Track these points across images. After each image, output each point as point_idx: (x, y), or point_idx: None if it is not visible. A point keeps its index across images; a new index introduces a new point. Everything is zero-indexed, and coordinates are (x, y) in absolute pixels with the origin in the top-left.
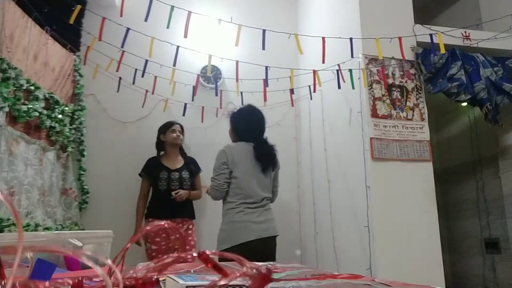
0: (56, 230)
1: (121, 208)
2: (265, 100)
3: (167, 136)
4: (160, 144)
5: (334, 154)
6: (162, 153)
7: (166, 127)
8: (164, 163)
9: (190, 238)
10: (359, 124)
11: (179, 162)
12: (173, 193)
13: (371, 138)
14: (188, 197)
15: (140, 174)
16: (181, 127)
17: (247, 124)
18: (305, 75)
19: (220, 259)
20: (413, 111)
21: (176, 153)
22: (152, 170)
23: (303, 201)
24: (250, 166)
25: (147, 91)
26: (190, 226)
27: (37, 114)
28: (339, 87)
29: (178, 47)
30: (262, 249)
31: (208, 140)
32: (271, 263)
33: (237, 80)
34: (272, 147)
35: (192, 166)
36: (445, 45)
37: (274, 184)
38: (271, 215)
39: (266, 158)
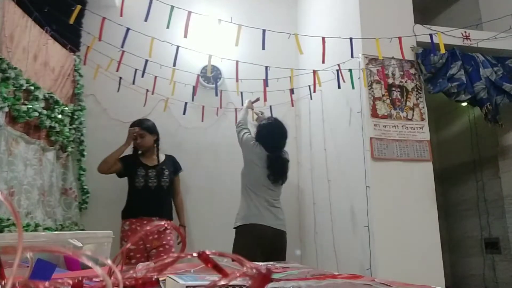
0: (56, 230)
1: (121, 208)
2: (265, 100)
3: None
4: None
5: (334, 154)
6: (139, 151)
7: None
8: (142, 160)
9: (169, 238)
10: (359, 124)
11: (156, 160)
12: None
13: (371, 138)
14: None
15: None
16: (146, 128)
17: (271, 137)
18: (305, 75)
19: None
20: (413, 111)
21: (152, 152)
22: (129, 162)
23: (303, 201)
24: (263, 172)
25: (147, 90)
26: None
27: (37, 114)
28: (339, 87)
29: (178, 47)
30: (273, 237)
31: (208, 140)
32: (275, 263)
33: (237, 80)
34: (285, 164)
35: (171, 164)
36: (445, 45)
37: None
38: (282, 215)
39: (278, 172)
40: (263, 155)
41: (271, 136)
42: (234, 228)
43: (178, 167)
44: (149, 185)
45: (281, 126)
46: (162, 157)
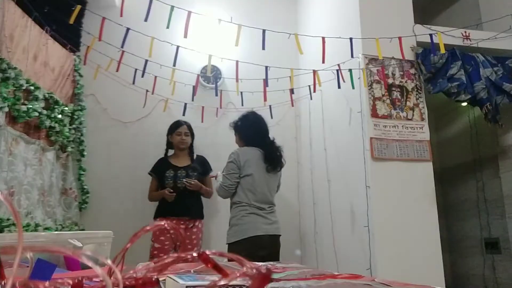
0: (56, 230)
1: (121, 208)
2: (265, 100)
3: (173, 138)
4: (169, 144)
5: (334, 154)
6: (172, 152)
7: (173, 129)
8: (172, 162)
9: (194, 236)
10: (359, 124)
11: (187, 161)
12: (184, 180)
13: (371, 138)
14: (199, 190)
15: (149, 173)
16: (189, 127)
17: (254, 130)
18: (305, 75)
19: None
20: (413, 111)
21: (184, 153)
22: (159, 169)
23: (303, 201)
24: (260, 170)
25: (147, 91)
26: (197, 224)
27: (36, 114)
28: (339, 87)
29: (178, 47)
30: (269, 245)
31: (208, 140)
32: (272, 263)
33: (237, 80)
34: (278, 148)
35: (201, 165)
36: (445, 45)
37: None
38: (276, 217)
39: (275, 159)
40: (253, 153)
41: (253, 127)
42: (228, 244)
43: (208, 168)
44: (177, 186)
45: (257, 116)
46: (190, 158)
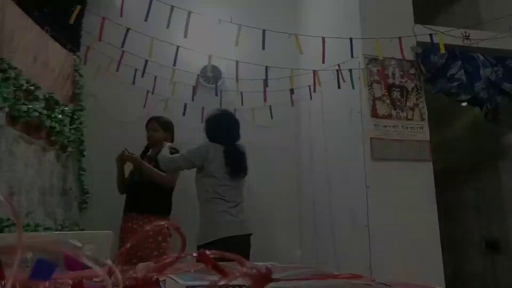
0: (56, 230)
1: (121, 208)
2: (265, 100)
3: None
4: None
5: (334, 154)
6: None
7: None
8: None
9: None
10: (359, 124)
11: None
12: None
13: (371, 138)
14: (138, 166)
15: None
16: (161, 123)
17: (219, 128)
18: (305, 75)
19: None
20: (413, 111)
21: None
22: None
23: (303, 201)
24: (222, 168)
25: (148, 91)
26: (141, 223)
27: (37, 114)
28: (339, 87)
29: (178, 47)
30: (241, 245)
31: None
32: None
33: (237, 80)
34: (242, 153)
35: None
36: (445, 45)
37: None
38: (245, 216)
39: (237, 164)
40: (219, 151)
41: (220, 127)
42: (200, 245)
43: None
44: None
45: (229, 114)
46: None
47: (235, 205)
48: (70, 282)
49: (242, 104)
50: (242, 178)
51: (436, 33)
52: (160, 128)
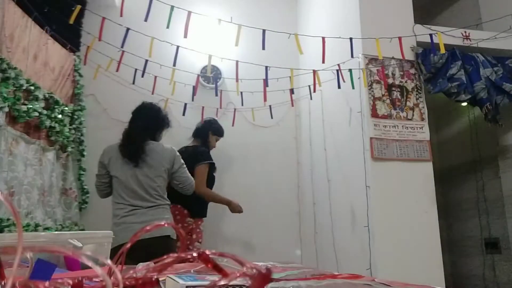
0: (56, 230)
1: None
2: (265, 100)
3: (213, 140)
4: (206, 141)
5: (334, 154)
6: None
7: (219, 134)
8: None
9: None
10: (359, 124)
11: None
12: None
13: (371, 138)
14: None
15: (210, 162)
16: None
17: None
18: (305, 75)
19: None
20: (413, 111)
21: None
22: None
23: (303, 201)
24: (123, 166)
25: (148, 91)
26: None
27: (37, 114)
28: (339, 87)
29: (178, 47)
30: (145, 250)
31: None
32: (273, 262)
33: (237, 80)
34: (140, 141)
35: None
36: (445, 45)
37: (177, 179)
38: (158, 214)
39: (135, 154)
40: (115, 148)
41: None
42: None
43: None
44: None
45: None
46: None
47: (141, 206)
48: (70, 282)
49: (242, 104)
50: (151, 168)
51: (436, 33)
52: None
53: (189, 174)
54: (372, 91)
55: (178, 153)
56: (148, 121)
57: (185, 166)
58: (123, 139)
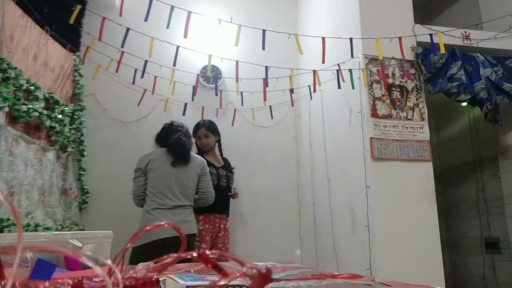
0: (56, 230)
1: (121, 208)
2: (265, 100)
3: (196, 141)
4: (197, 146)
5: (334, 154)
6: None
7: (193, 133)
8: (210, 160)
9: (227, 234)
10: (359, 124)
11: (220, 160)
12: (235, 190)
13: (371, 138)
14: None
15: None
16: (208, 127)
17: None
18: (305, 75)
19: None
20: (413, 111)
21: (213, 153)
22: None
23: (303, 201)
24: (166, 167)
25: (145, 90)
26: (227, 223)
27: (37, 114)
28: (339, 87)
29: (178, 47)
30: (174, 247)
31: None
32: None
33: (237, 80)
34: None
35: (228, 165)
36: (445, 45)
37: (202, 185)
38: (187, 216)
39: (184, 156)
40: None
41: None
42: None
43: (231, 168)
44: (221, 184)
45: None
46: (221, 158)
47: (173, 207)
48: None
49: (242, 104)
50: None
51: (436, 33)
52: (210, 132)
53: (212, 186)
54: (372, 91)
55: (206, 162)
56: (187, 132)
57: (209, 176)
58: (173, 144)
